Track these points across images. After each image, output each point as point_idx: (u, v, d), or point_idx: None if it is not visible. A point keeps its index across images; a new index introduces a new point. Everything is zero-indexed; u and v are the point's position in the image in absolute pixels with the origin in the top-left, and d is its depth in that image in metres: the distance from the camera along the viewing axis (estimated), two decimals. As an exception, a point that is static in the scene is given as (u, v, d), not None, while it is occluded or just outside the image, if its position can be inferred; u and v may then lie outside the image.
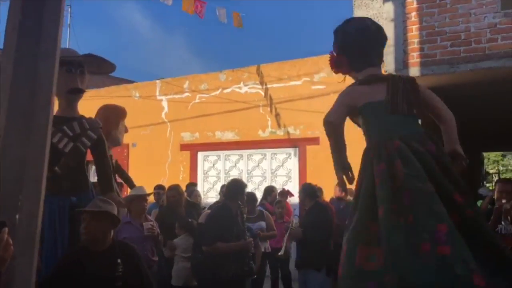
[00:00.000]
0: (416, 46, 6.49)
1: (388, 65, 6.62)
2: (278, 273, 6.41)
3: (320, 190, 7.06)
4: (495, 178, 23.99)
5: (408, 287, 1.85)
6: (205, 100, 9.69)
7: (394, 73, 6.54)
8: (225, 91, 9.43)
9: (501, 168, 26.85)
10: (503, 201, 4.21)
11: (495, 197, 4.39)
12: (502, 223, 4.24)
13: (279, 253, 4.90)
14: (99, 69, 3.27)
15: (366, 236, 2.07)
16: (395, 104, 2.28)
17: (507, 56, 5.90)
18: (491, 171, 25.13)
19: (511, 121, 10.85)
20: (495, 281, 1.88)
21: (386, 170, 2.13)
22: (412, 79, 2.43)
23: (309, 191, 4.88)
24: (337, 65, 2.59)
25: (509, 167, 28.00)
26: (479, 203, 7.13)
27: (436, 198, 1.98)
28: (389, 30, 6.64)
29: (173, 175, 9.51)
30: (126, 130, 4.12)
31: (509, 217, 4.21)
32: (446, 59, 6.26)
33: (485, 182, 19.59)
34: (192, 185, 7.40)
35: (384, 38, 2.52)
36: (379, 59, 2.49)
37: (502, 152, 25.78)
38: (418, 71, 6.42)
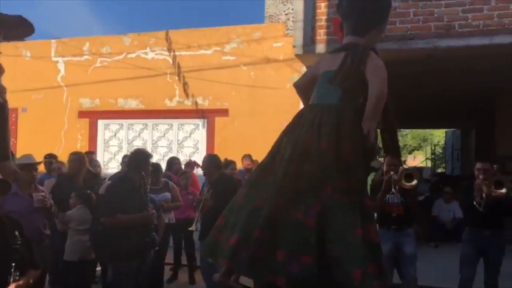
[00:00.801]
0: (323, 23, 6.66)
1: (297, 40, 6.74)
2: (181, 244, 6.35)
3: (233, 162, 7.08)
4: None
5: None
6: (107, 65, 9.06)
7: (304, 48, 6.68)
8: (130, 56, 8.91)
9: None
10: (391, 173, 4.60)
11: (385, 169, 4.76)
12: (393, 190, 4.64)
13: (191, 228, 4.75)
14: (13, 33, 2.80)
15: (259, 182, 2.21)
16: (337, 75, 2.25)
17: (403, 38, 6.31)
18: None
19: (405, 100, 11.82)
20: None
21: (292, 134, 2.24)
22: (367, 52, 2.25)
23: (215, 163, 4.79)
24: (336, 31, 2.56)
25: (400, 143, 30.76)
26: (372, 175, 7.73)
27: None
28: (299, 5, 6.73)
29: (70, 144, 8.85)
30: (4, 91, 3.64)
31: (397, 187, 4.62)
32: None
33: (377, 156, 21.27)
34: (90, 154, 6.94)
35: (363, 8, 2.34)
36: (358, 29, 2.34)
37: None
38: (324, 48, 6.61)
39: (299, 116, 2.31)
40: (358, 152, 2.09)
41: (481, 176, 4.61)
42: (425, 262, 5.72)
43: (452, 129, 20.51)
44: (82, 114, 9.20)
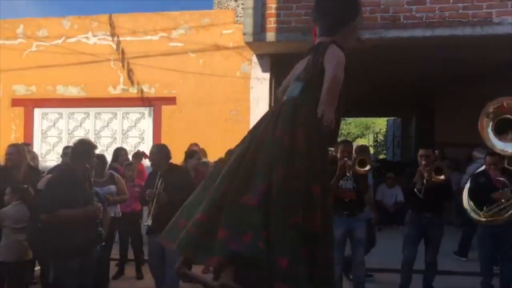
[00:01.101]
0: (273, 11, 6.61)
1: (247, 28, 6.64)
2: (128, 238, 6.13)
3: (203, 151, 6.90)
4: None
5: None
6: (44, 49, 8.49)
7: (254, 36, 6.60)
8: (70, 40, 8.39)
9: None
10: (345, 159, 4.69)
11: (338, 156, 4.86)
12: (348, 174, 4.74)
13: (146, 223, 4.53)
14: None
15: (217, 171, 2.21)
16: (301, 73, 2.29)
17: (378, 27, 6.38)
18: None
19: (350, 90, 12.11)
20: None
21: (262, 125, 2.25)
22: (327, 45, 2.26)
23: (164, 153, 4.61)
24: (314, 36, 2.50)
25: (343, 131, 31.69)
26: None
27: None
28: (249, -7, 6.63)
29: (3, 135, 8.25)
30: None
31: (351, 172, 4.73)
32: (300, 27, 6.52)
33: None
34: (26, 146, 6.49)
35: (327, 9, 2.34)
36: (326, 29, 2.33)
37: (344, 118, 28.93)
38: (274, 37, 6.58)
39: (267, 112, 2.35)
40: (311, 140, 2.11)
41: (423, 162, 4.82)
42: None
43: (393, 118, 21.35)
44: (16, 102, 8.59)
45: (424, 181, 4.73)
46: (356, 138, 31.63)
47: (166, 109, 8.07)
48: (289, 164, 2.04)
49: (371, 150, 26.55)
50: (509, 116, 5.01)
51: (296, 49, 7.03)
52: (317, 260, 2.04)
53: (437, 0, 6.24)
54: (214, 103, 7.70)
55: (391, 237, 7.88)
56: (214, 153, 6.80)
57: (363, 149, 6.67)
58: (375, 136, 27.32)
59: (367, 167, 4.69)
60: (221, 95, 7.66)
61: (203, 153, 7.05)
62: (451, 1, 6.20)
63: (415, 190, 4.79)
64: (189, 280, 2.20)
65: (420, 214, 4.88)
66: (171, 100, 8.01)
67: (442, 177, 4.73)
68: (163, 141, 7.14)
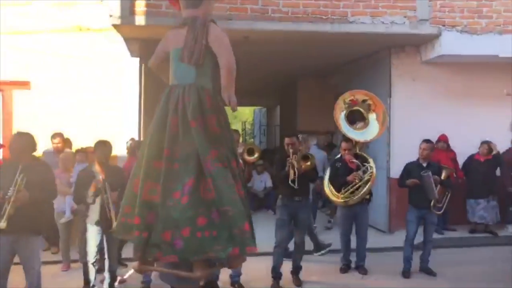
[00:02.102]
0: (142, -6, 6.31)
1: (113, 10, 6.23)
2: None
3: (68, 141, 6.19)
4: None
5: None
6: None
7: (122, 19, 6.22)
8: None
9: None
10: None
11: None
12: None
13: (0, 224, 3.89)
14: None
15: (151, 171, 2.25)
16: (184, 52, 2.31)
17: (222, 18, 6.44)
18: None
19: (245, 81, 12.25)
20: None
21: (162, 118, 2.30)
22: (207, 25, 2.30)
23: (27, 142, 3.99)
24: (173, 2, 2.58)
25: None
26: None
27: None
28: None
29: None
30: None
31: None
32: (171, 12, 6.34)
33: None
34: None
35: None
36: (193, 1, 2.37)
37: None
38: (144, 20, 6.29)
39: (165, 100, 2.34)
40: (221, 123, 2.29)
41: (291, 150, 5.13)
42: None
43: (259, 107, 22.33)
44: None
45: (296, 170, 5.02)
46: (225, 127, 32.21)
47: (19, 94, 7.17)
48: (213, 148, 2.21)
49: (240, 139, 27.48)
50: (358, 108, 5.65)
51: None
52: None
53: (302, -4, 6.64)
54: (78, 88, 7.09)
55: (263, 221, 8.28)
56: (82, 142, 6.31)
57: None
58: (243, 124, 28.26)
59: (256, 155, 4.87)
60: (86, 79, 7.08)
61: (68, 143, 6.48)
62: (314, -3, 6.66)
63: (289, 182, 5.02)
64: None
65: (291, 199, 5.19)
66: (24, 85, 7.14)
67: (309, 163, 5.10)
68: (15, 130, 6.33)
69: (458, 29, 7.03)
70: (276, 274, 5.15)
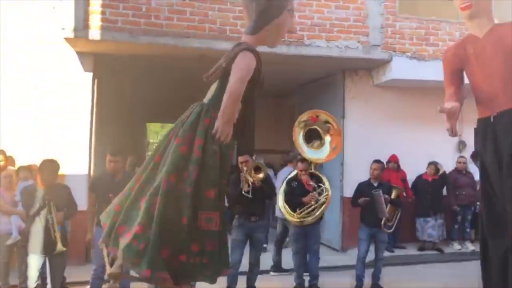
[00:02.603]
0: (98, 8, 6.19)
1: (67, 23, 6.07)
2: None
3: (11, 159, 5.86)
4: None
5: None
6: None
7: (75, 32, 6.07)
8: None
9: (160, 138, 29.76)
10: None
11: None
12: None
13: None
14: None
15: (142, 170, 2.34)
16: (214, 72, 2.33)
17: (180, 36, 6.45)
18: (151, 141, 27.56)
19: (169, 96, 12.13)
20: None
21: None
22: (242, 49, 2.23)
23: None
24: None
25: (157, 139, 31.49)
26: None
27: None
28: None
29: None
30: None
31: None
32: (127, 28, 6.27)
33: (147, 151, 21.29)
34: None
35: (252, 8, 2.33)
36: (251, 27, 2.35)
37: (161, 123, 28.67)
38: (99, 35, 6.16)
39: (186, 114, 2.39)
40: (207, 149, 2.20)
41: (245, 168, 5.12)
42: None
43: (215, 125, 22.20)
44: None
45: (250, 183, 5.02)
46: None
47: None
48: (182, 170, 2.16)
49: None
50: (316, 127, 5.76)
51: (124, 50, 6.80)
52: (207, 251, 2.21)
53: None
54: (25, 102, 6.75)
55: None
56: (27, 160, 5.99)
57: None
58: (199, 142, 28.02)
59: (262, 174, 4.90)
60: (34, 94, 6.75)
61: (11, 160, 6.13)
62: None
63: (243, 192, 5.03)
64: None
65: (247, 218, 5.16)
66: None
67: (261, 175, 5.08)
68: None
69: (408, 55, 7.40)
70: (230, 296, 5.08)
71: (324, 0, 6.99)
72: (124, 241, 2.12)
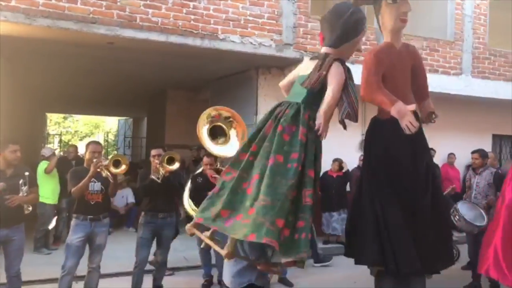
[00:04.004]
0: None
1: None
2: None
3: None
4: (57, 139, 24.71)
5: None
6: None
7: None
8: None
9: (62, 129, 27.93)
10: (95, 160, 4.49)
11: (86, 157, 4.64)
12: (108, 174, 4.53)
13: None
14: None
15: (236, 162, 2.85)
16: (307, 79, 2.85)
17: (85, 21, 5.99)
18: (52, 132, 25.68)
19: (73, 85, 11.35)
20: None
21: (262, 123, 2.97)
22: (333, 61, 2.80)
23: None
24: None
25: (69, 129, 29.57)
26: (44, 164, 7.04)
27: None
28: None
29: None
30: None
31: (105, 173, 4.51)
32: (22, 8, 5.68)
33: (46, 142, 19.79)
34: None
35: (338, 26, 2.90)
36: (334, 42, 2.94)
37: (64, 114, 26.83)
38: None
39: (271, 111, 3.00)
40: (308, 136, 2.74)
41: (156, 161, 4.93)
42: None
43: (125, 117, 21.33)
44: None
45: (161, 172, 4.85)
46: (85, 137, 30.14)
47: None
48: (288, 152, 2.63)
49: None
50: (220, 123, 5.68)
51: (22, 32, 6.15)
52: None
53: (172, 8, 6.52)
54: None
55: (123, 240, 7.80)
56: None
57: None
58: (106, 135, 26.70)
59: (123, 167, 4.48)
60: None
61: None
62: (184, 11, 6.59)
63: (153, 177, 4.84)
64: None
65: (154, 215, 4.96)
66: None
67: (175, 166, 4.90)
68: None
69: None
70: (135, 296, 4.86)
71: (239, -5, 6.96)
72: (235, 223, 2.51)
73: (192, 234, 2.95)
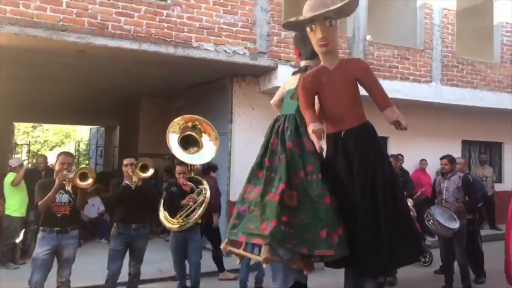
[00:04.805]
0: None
1: None
2: None
3: None
4: (25, 149, 24.02)
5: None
6: None
7: None
8: None
9: (31, 139, 27.17)
10: (65, 172, 4.36)
11: (57, 168, 4.49)
12: (67, 188, 4.42)
13: None
14: None
15: (253, 178, 3.18)
16: (294, 91, 3.23)
17: (54, 28, 5.86)
18: (20, 142, 24.96)
19: (43, 93, 11.08)
20: None
21: (267, 140, 3.32)
22: (302, 73, 3.29)
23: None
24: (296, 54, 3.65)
25: (38, 139, 28.80)
26: (11, 176, 6.79)
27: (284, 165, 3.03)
28: None
29: None
30: None
31: (70, 185, 4.37)
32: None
33: (14, 153, 19.20)
34: None
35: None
36: (310, 54, 3.41)
37: (32, 124, 26.13)
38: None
39: (271, 126, 3.35)
40: (311, 143, 3.04)
41: (129, 171, 4.85)
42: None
43: (96, 126, 20.94)
44: None
45: (134, 180, 4.75)
46: (55, 146, 29.43)
47: None
48: (304, 165, 2.97)
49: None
50: (190, 133, 5.63)
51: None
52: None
53: (145, 16, 6.45)
54: None
55: (94, 252, 7.61)
56: None
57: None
58: (77, 144, 26.12)
59: (89, 181, 4.35)
60: None
61: None
62: (157, 19, 6.52)
63: (127, 182, 4.75)
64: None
65: (127, 226, 4.85)
66: None
67: (149, 173, 4.81)
68: None
69: (292, 64, 7.70)
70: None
71: (212, 3, 6.94)
72: (276, 230, 2.74)
73: (229, 252, 3.27)
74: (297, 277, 3.21)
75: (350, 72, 3.24)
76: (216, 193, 6.64)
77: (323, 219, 2.82)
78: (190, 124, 5.48)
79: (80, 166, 4.78)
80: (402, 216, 3.14)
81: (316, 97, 3.27)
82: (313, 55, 3.35)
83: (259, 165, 3.15)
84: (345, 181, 3.12)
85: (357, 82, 3.27)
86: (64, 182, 4.33)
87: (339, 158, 3.19)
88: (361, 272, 3.08)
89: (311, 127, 3.08)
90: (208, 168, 6.95)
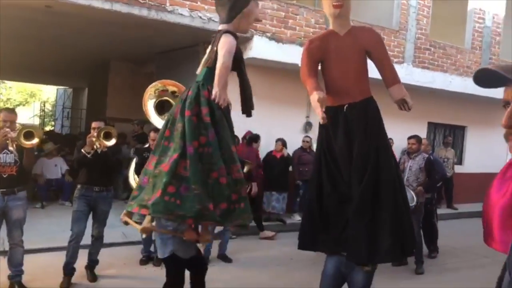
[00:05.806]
0: None
1: None
2: None
3: None
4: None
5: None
6: None
7: None
8: None
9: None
10: (7, 129, 4.11)
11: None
12: (11, 148, 4.20)
13: None
14: None
15: (157, 148, 2.88)
16: (206, 58, 2.96)
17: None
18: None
19: (5, 50, 10.58)
20: None
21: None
22: (223, 32, 2.84)
23: None
24: None
25: (1, 96, 27.69)
26: None
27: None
28: None
29: None
30: None
31: (14, 145, 4.17)
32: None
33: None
34: None
35: (225, 2, 2.90)
36: (225, 18, 2.94)
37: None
38: None
39: (184, 94, 3.01)
40: (214, 114, 2.77)
41: (95, 134, 4.74)
42: (32, 224, 5.40)
43: (64, 87, 20.27)
44: None
45: (95, 146, 4.66)
46: (18, 105, 28.37)
47: None
48: (199, 136, 2.70)
49: (37, 120, 24.44)
50: (167, 98, 5.54)
51: None
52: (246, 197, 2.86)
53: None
54: None
55: (57, 213, 7.51)
56: None
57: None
58: (42, 105, 25.27)
59: (35, 140, 4.19)
60: None
61: None
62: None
63: (83, 151, 4.65)
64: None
65: (89, 188, 4.79)
66: None
67: (111, 142, 4.72)
68: None
69: (268, 36, 7.63)
70: (69, 271, 4.71)
71: (189, -34, 6.73)
72: (160, 201, 2.59)
73: (126, 223, 3.13)
74: (174, 249, 3.20)
75: (361, 41, 2.95)
76: (256, 163, 6.70)
77: (210, 192, 2.69)
78: (169, 90, 5.37)
79: (24, 125, 4.53)
80: (401, 213, 2.93)
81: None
82: (229, 17, 2.93)
83: (161, 135, 2.92)
84: (343, 160, 2.90)
85: (366, 54, 2.99)
86: (7, 142, 4.09)
87: (338, 134, 2.92)
88: (349, 258, 2.89)
89: (315, 95, 2.73)
90: (250, 139, 6.90)
